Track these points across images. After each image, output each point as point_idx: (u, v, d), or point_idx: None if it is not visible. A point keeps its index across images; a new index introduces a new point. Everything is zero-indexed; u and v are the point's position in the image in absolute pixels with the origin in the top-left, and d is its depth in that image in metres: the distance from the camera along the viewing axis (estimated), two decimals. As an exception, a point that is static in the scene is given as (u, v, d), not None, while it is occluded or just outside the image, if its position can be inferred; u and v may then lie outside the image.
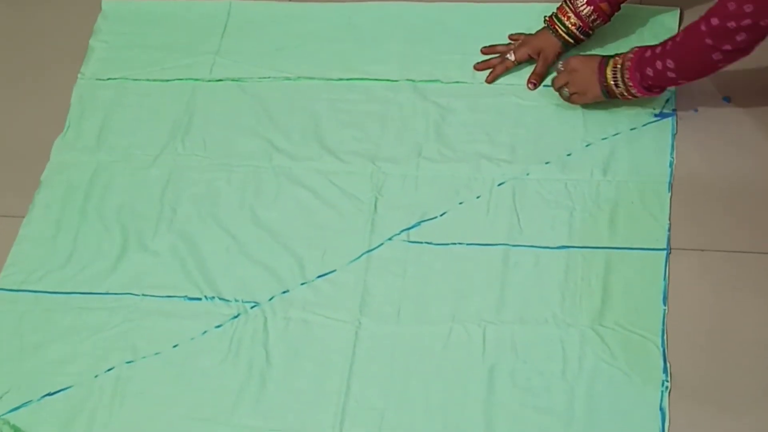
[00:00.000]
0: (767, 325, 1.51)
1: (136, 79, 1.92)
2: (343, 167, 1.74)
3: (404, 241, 1.66)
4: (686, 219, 1.61)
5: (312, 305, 1.62)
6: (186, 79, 1.90)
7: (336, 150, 1.77)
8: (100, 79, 1.93)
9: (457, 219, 1.67)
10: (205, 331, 1.62)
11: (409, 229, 1.67)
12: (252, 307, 1.63)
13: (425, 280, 1.62)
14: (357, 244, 1.66)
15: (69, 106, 1.90)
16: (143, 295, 1.67)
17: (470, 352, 1.54)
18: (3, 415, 1.59)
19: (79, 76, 1.94)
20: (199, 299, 1.65)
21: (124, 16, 2.01)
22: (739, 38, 1.44)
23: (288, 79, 1.87)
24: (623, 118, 1.71)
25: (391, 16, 1.91)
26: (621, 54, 1.64)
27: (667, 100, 1.71)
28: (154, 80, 1.91)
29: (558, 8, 1.74)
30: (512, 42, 1.82)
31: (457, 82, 1.81)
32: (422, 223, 1.67)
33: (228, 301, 1.64)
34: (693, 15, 1.70)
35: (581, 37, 1.74)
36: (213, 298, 1.65)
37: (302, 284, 1.64)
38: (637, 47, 1.62)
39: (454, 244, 1.64)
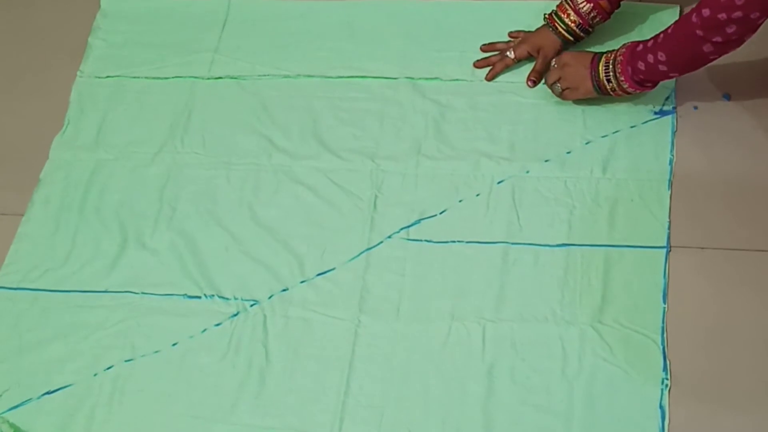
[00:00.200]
0: (767, 323, 1.51)
1: (135, 77, 1.91)
2: (342, 165, 1.74)
3: (404, 239, 1.66)
4: (686, 216, 1.61)
5: (311, 303, 1.62)
6: (185, 77, 1.89)
7: (335, 148, 1.76)
8: (99, 77, 1.93)
9: (456, 217, 1.66)
10: (204, 330, 1.62)
11: (408, 227, 1.67)
12: (251, 306, 1.63)
13: (425, 278, 1.62)
14: (356, 242, 1.66)
15: (68, 104, 1.90)
16: (142, 293, 1.67)
17: (470, 350, 1.54)
18: (2, 413, 1.59)
19: (78, 73, 1.94)
20: (199, 297, 1.65)
21: (122, 14, 2.01)
22: (729, 30, 1.44)
23: (287, 76, 1.86)
24: (623, 115, 1.70)
25: (391, 13, 1.91)
26: (614, 50, 1.63)
27: (667, 98, 1.71)
28: (153, 78, 1.90)
29: (558, 6, 1.73)
30: (512, 39, 1.82)
31: (457, 79, 1.81)
32: (422, 221, 1.67)
33: (227, 299, 1.64)
34: (693, 12, 1.70)
35: (581, 34, 1.73)
36: (212, 296, 1.65)
37: (302, 282, 1.64)
38: (629, 42, 1.62)
39: (454, 242, 1.64)
